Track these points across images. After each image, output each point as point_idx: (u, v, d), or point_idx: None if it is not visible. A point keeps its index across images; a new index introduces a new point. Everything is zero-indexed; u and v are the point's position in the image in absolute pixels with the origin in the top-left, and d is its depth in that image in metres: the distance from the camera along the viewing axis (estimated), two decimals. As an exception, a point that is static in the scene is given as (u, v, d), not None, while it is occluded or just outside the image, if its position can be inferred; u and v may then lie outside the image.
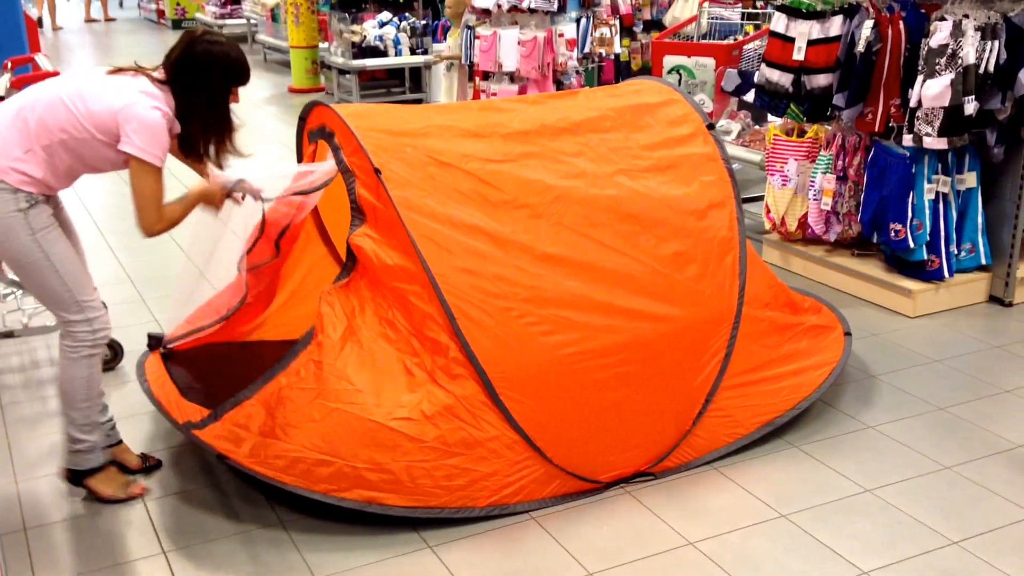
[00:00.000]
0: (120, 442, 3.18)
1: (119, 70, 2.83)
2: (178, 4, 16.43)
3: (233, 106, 2.90)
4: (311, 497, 2.79)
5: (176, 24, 16.48)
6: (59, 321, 2.85)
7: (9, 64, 4.13)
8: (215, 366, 3.43)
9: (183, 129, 2.82)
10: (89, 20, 17.47)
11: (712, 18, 6.97)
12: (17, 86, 3.85)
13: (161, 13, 17.04)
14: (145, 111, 2.70)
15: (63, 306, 2.81)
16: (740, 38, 6.67)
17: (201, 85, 2.79)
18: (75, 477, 3.01)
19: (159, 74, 2.83)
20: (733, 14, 7.07)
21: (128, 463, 3.17)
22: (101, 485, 3.00)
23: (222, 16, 14.45)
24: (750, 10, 7.10)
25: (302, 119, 3.45)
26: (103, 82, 2.78)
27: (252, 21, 13.58)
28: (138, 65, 2.85)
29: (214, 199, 2.95)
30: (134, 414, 3.50)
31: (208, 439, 2.89)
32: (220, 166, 2.97)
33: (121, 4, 20.43)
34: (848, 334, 3.77)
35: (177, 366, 3.36)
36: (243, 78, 2.85)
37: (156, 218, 2.78)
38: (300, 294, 3.71)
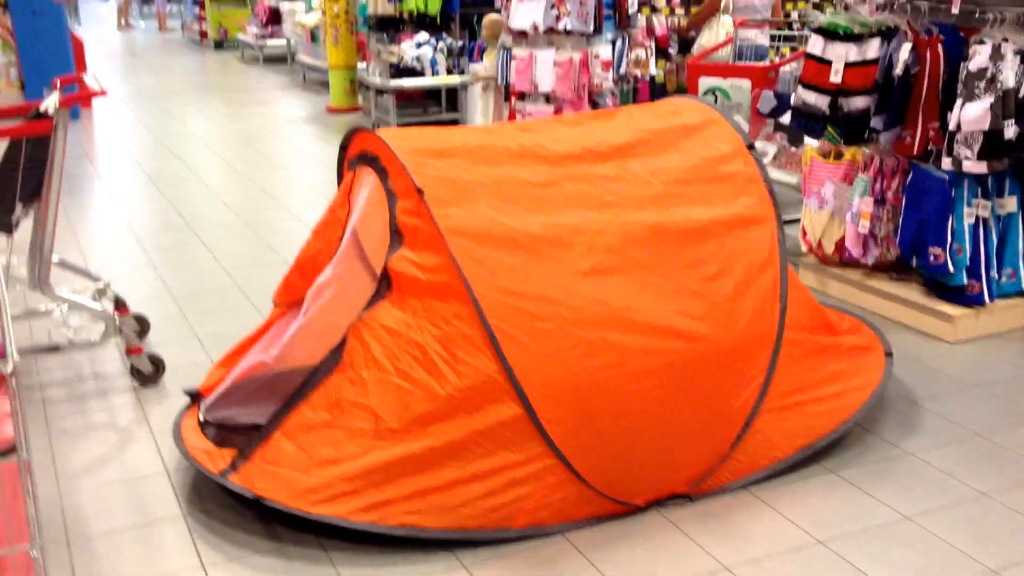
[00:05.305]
0: None
1: None
2: (220, 25, 16.72)
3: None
4: (352, 527, 2.82)
5: (218, 45, 16.76)
6: None
7: (58, 83, 4.22)
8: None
9: None
10: (124, 27, 18.89)
11: (741, 41, 6.96)
12: (66, 105, 3.93)
13: (204, 34, 17.34)
14: None
15: None
16: (774, 60, 6.66)
17: None
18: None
19: None
20: (762, 36, 7.05)
21: None
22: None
23: (263, 37, 14.67)
24: (784, 32, 7.09)
25: (343, 148, 3.48)
26: None
27: (292, 41, 13.78)
28: None
29: None
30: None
31: (242, 483, 2.93)
32: None
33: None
34: (889, 354, 3.72)
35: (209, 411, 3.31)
36: None
37: None
38: None
